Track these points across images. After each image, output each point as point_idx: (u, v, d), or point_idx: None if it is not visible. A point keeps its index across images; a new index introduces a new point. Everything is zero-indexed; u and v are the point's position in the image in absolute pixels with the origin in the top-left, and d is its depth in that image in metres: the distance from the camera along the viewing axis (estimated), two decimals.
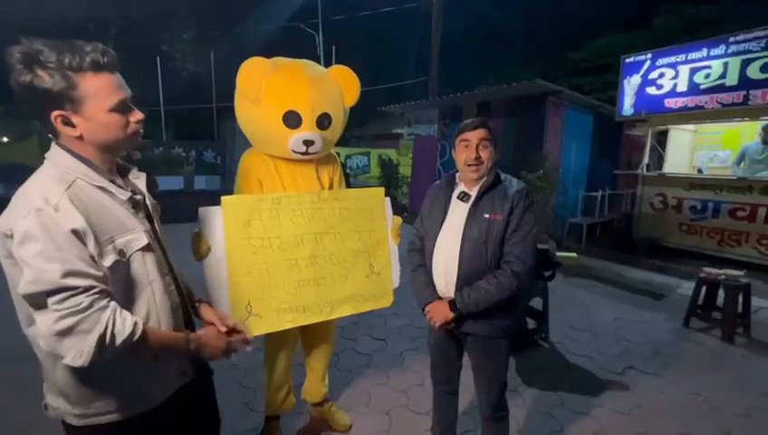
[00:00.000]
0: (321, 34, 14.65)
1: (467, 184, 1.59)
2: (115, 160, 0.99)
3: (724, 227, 5.27)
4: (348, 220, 1.80)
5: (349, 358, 2.93)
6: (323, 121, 1.73)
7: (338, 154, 2.10)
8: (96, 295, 0.82)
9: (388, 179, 10.93)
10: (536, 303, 3.28)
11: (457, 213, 1.57)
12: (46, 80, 0.82)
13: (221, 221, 1.54)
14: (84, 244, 0.82)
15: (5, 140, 10.82)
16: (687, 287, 4.37)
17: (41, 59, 0.82)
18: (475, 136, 1.52)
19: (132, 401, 0.96)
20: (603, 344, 3.24)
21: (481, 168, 1.52)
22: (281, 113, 1.65)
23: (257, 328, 1.61)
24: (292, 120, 1.66)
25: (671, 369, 2.89)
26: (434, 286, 1.61)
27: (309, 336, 2.06)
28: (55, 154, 0.89)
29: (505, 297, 1.47)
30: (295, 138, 1.68)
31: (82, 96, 0.85)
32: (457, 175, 1.65)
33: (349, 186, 2.12)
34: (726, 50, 5.06)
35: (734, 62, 4.99)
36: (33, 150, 9.86)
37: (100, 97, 0.87)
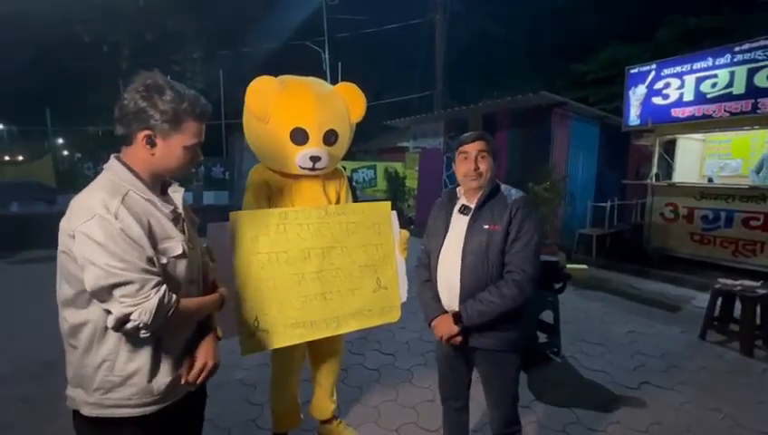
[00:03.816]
0: (327, 52, 14.94)
1: (468, 197, 1.60)
2: (161, 182, 1.11)
3: (737, 237, 5.17)
4: (355, 234, 1.80)
5: (357, 373, 2.90)
6: (330, 138, 1.76)
7: (344, 168, 2.12)
8: (155, 286, 0.95)
9: (395, 192, 10.97)
10: (547, 316, 3.22)
11: (458, 226, 1.58)
12: (160, 108, 0.98)
13: (229, 237, 1.55)
14: (142, 247, 0.95)
15: (21, 158, 11.13)
16: (703, 299, 4.26)
17: (162, 93, 0.98)
18: (473, 148, 1.54)
19: (144, 398, 1.02)
20: (617, 358, 3.16)
21: (480, 179, 1.53)
22: (288, 130, 1.68)
23: (265, 344, 1.60)
24: (299, 136, 1.69)
25: (689, 384, 2.80)
26: (440, 301, 1.60)
27: (316, 351, 2.04)
28: (114, 166, 1.03)
29: (511, 308, 1.45)
30: (302, 154, 1.70)
31: (177, 130, 1.02)
32: (458, 189, 1.67)
33: (356, 199, 2.13)
34: (732, 59, 5.06)
35: (741, 71, 4.97)
36: (46, 169, 10.12)
37: (187, 136, 1.04)
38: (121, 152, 1.05)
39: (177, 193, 1.14)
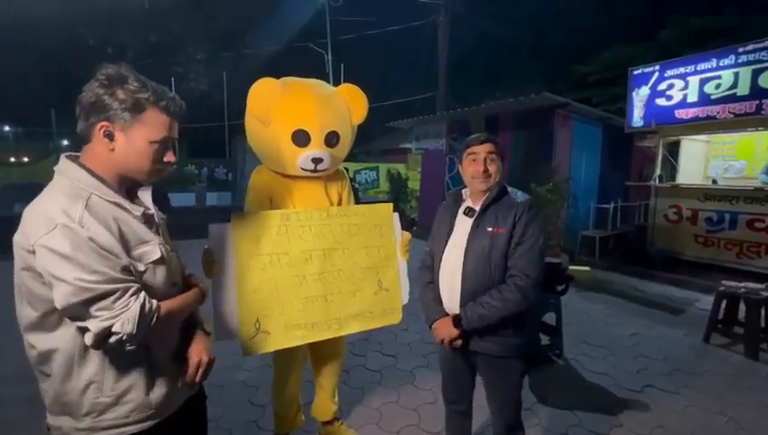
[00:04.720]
0: (329, 53, 14.98)
1: (473, 199, 1.59)
2: (127, 185, 1.01)
3: (742, 239, 5.14)
4: (356, 236, 1.80)
5: (359, 375, 2.89)
6: (332, 139, 1.76)
7: (346, 169, 2.12)
8: (134, 293, 0.87)
9: (397, 194, 10.97)
10: (549, 318, 3.21)
11: (462, 228, 1.57)
12: (119, 97, 0.89)
13: (231, 238, 1.56)
14: (115, 255, 0.86)
15: (26, 159, 11.22)
16: (707, 301, 4.24)
17: (124, 82, 0.90)
18: (482, 149, 1.52)
19: (143, 412, 0.96)
20: (620, 361, 3.14)
21: (488, 181, 1.52)
22: (290, 132, 1.68)
23: (266, 345, 1.61)
24: (300, 138, 1.69)
25: (693, 387, 2.78)
26: (441, 303, 1.60)
27: (318, 353, 2.04)
28: (67, 168, 0.91)
29: (512, 313, 1.44)
30: (304, 156, 1.70)
31: (139, 121, 0.92)
32: (464, 191, 1.66)
33: (358, 201, 2.13)
34: (736, 60, 5.03)
35: (745, 72, 4.95)
36: (51, 170, 10.21)
37: (151, 128, 0.94)
38: (81, 153, 0.94)
39: (144, 192, 1.05)
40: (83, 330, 0.85)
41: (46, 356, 0.90)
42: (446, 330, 1.52)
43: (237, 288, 1.55)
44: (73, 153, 0.96)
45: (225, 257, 1.54)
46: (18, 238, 0.84)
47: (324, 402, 2.13)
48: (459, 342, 1.52)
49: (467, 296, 1.50)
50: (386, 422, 2.36)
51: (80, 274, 0.80)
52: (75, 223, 0.82)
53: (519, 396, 1.60)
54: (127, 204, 0.96)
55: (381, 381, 2.81)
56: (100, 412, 0.92)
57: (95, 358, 0.91)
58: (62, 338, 0.89)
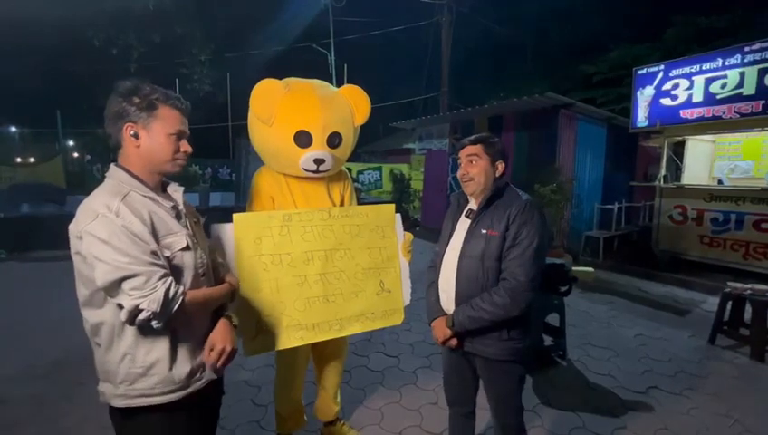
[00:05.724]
0: (333, 54, 14.98)
1: (475, 200, 1.59)
2: (160, 181, 1.17)
3: (748, 240, 5.09)
4: (358, 237, 1.80)
5: (361, 375, 2.89)
6: (334, 140, 1.76)
7: (349, 170, 2.12)
8: (161, 278, 1.00)
9: (401, 194, 10.96)
10: (553, 319, 3.20)
11: (461, 230, 1.57)
12: (135, 102, 1.07)
13: (233, 238, 1.56)
14: (145, 242, 1.01)
15: (32, 160, 11.30)
16: (712, 303, 4.20)
17: (137, 90, 1.08)
18: (463, 153, 1.54)
19: (167, 386, 1.08)
20: (625, 363, 3.12)
21: (471, 183, 1.52)
22: (292, 133, 1.69)
23: (267, 345, 1.61)
24: (302, 139, 1.69)
25: (697, 389, 2.75)
26: (440, 303, 1.60)
27: (320, 353, 2.04)
28: (113, 171, 1.11)
29: (503, 317, 1.41)
30: (306, 156, 1.71)
31: (155, 117, 1.09)
32: None
33: (358, 201, 2.14)
34: (742, 59, 4.98)
35: (751, 72, 4.90)
36: (56, 170, 10.26)
37: (166, 122, 1.11)
38: (118, 158, 1.13)
39: (177, 192, 1.20)
40: (119, 307, 0.99)
41: (96, 328, 1.06)
42: (440, 330, 1.54)
43: (239, 288, 1.55)
44: (115, 161, 1.14)
45: (226, 257, 1.55)
46: (71, 227, 1.02)
47: (326, 403, 2.13)
48: (454, 342, 1.53)
49: (461, 298, 1.50)
50: (388, 423, 2.35)
51: (115, 255, 0.96)
52: (112, 213, 0.99)
53: (517, 400, 1.58)
54: (160, 198, 1.12)
55: (383, 382, 2.81)
56: (132, 381, 1.06)
57: (130, 333, 1.05)
58: (107, 313, 1.04)
